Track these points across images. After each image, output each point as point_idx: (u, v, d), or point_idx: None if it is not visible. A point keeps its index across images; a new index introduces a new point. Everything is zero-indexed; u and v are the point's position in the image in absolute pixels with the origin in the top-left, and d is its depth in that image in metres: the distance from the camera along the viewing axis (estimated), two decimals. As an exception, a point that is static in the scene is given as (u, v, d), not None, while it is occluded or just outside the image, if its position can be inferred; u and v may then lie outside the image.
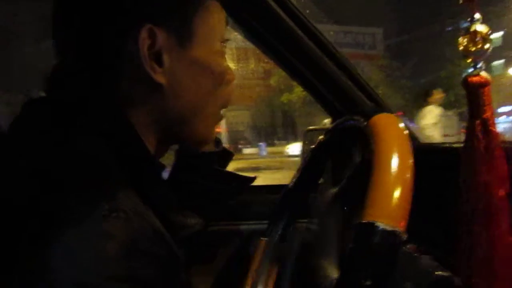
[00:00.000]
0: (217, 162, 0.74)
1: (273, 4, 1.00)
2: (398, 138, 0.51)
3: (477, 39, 0.43)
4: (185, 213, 0.63)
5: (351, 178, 0.68)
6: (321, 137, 0.82)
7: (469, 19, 0.43)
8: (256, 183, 0.79)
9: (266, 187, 1.35)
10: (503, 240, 0.41)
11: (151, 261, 0.42)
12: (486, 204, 0.42)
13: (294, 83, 1.24)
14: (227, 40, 0.62)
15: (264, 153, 20.54)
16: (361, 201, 0.46)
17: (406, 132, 0.54)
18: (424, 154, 0.73)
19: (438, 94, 4.96)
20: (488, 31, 0.43)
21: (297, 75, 1.14)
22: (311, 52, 1.06)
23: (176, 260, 0.52)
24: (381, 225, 0.42)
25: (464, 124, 0.44)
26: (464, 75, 0.44)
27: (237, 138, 25.05)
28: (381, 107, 1.15)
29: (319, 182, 0.82)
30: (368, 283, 0.40)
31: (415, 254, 0.60)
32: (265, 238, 0.84)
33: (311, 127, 1.42)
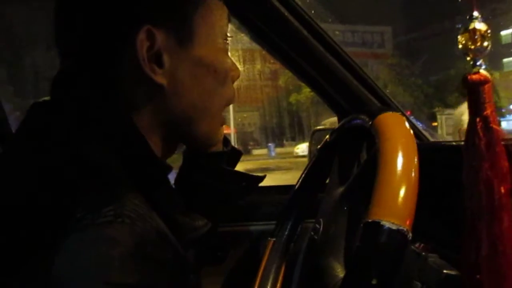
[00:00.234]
0: (226, 161, 0.73)
1: (278, 5, 1.01)
2: (403, 137, 0.51)
3: (476, 36, 0.43)
4: (192, 215, 0.62)
5: (357, 177, 0.68)
6: (327, 137, 0.82)
7: (468, 17, 0.43)
8: (266, 183, 0.79)
9: (275, 188, 1.35)
10: (506, 237, 0.41)
11: (156, 266, 0.42)
12: (488, 201, 0.42)
13: (303, 84, 1.24)
14: (230, 36, 0.61)
15: (273, 153, 20.51)
16: (367, 200, 0.46)
17: (412, 131, 0.54)
18: (431, 153, 0.73)
19: None
20: (487, 29, 0.43)
21: (304, 75, 1.14)
22: (317, 52, 1.06)
23: (183, 264, 0.52)
24: (387, 224, 0.42)
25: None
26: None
27: (246, 139, 25.05)
28: (388, 106, 1.14)
29: (326, 181, 0.82)
30: (374, 282, 0.41)
31: (423, 253, 0.60)
32: (273, 238, 0.85)
33: (318, 127, 1.42)
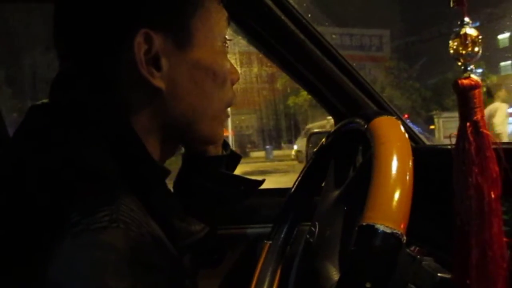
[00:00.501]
0: (225, 165, 0.73)
1: (275, 8, 1.01)
2: (398, 141, 0.52)
3: (467, 42, 0.43)
4: (189, 219, 0.62)
5: (353, 181, 0.68)
6: (323, 140, 0.83)
7: (459, 22, 0.44)
8: (264, 186, 0.79)
9: (273, 190, 1.35)
10: (495, 242, 0.42)
11: (151, 271, 0.41)
12: (478, 206, 0.43)
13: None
14: (229, 39, 0.61)
15: (271, 156, 20.49)
16: (362, 204, 0.46)
17: (407, 134, 0.54)
18: (426, 156, 0.74)
19: (502, 92, 4.92)
20: (478, 34, 0.43)
21: (300, 78, 1.15)
22: (314, 56, 1.06)
23: (179, 269, 0.52)
24: (381, 227, 0.42)
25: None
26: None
27: (244, 142, 25.04)
28: (384, 109, 1.15)
29: (322, 184, 0.82)
30: (368, 285, 0.41)
31: (418, 256, 0.60)
32: (269, 241, 0.85)
33: (315, 130, 1.43)
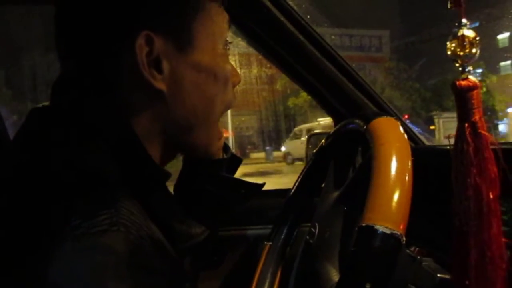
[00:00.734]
0: (226, 168, 0.73)
1: (274, 10, 1.01)
2: (397, 142, 0.52)
3: (465, 43, 0.43)
4: (189, 222, 0.62)
5: (352, 182, 0.68)
6: (323, 141, 0.83)
7: (456, 24, 0.44)
8: (264, 187, 0.79)
9: (273, 192, 1.35)
10: (494, 243, 0.42)
11: (151, 274, 0.41)
12: (477, 206, 0.43)
13: (300, 87, 1.25)
14: (230, 42, 0.61)
15: (271, 157, 20.48)
16: (362, 205, 0.46)
17: (406, 135, 0.54)
18: (426, 156, 0.74)
19: None
20: (476, 35, 0.44)
21: (300, 79, 1.15)
22: (313, 57, 1.07)
23: (179, 272, 0.52)
24: (381, 228, 0.42)
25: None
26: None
27: (244, 143, 25.03)
28: (383, 110, 1.15)
29: (322, 185, 0.82)
30: (368, 286, 0.41)
31: (418, 257, 0.60)
32: (269, 242, 0.85)
33: (315, 131, 1.43)
